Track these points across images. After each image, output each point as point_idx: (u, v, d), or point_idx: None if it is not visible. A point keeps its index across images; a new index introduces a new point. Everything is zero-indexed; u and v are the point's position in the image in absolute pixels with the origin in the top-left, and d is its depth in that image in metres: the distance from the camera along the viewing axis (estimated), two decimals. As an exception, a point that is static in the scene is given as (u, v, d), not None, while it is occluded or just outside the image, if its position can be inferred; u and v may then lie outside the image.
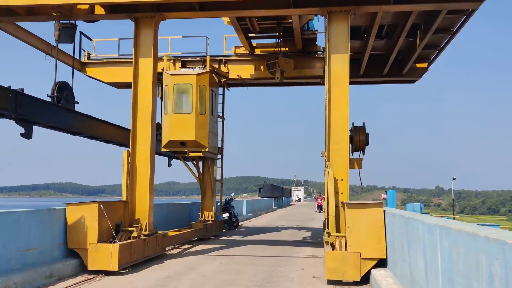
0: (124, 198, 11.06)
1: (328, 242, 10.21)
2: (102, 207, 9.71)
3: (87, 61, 18.57)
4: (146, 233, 11.01)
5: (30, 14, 11.78)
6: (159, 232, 12.29)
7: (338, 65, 10.91)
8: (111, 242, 9.66)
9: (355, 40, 14.77)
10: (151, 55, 11.60)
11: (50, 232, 8.97)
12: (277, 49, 16.09)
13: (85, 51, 18.63)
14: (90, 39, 18.71)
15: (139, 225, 10.84)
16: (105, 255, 9.35)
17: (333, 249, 9.65)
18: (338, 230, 10.19)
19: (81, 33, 18.09)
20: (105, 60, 18.56)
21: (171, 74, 15.88)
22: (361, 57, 16.35)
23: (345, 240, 9.24)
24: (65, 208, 9.55)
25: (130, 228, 10.64)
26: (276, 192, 54.26)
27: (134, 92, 11.56)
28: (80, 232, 9.48)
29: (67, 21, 11.96)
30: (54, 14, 11.59)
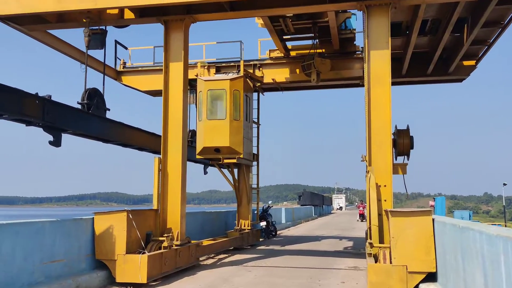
0: (155, 207, 10.67)
1: (370, 253, 9.41)
2: (131, 216, 9.32)
3: (122, 69, 18.51)
4: (178, 243, 10.55)
5: (60, 21, 11.68)
6: (192, 241, 11.83)
7: (379, 62, 10.15)
8: (140, 252, 9.24)
9: (396, 38, 13.92)
10: (181, 59, 11.22)
11: (76, 242, 8.64)
12: (312, 50, 15.43)
13: (120, 60, 18.59)
14: (126, 48, 18.68)
15: (170, 234, 10.40)
16: (134, 266, 8.93)
17: (376, 262, 8.86)
18: (381, 240, 9.38)
19: (116, 42, 18.12)
20: (140, 68, 18.44)
21: (205, 80, 15.51)
22: (403, 56, 15.44)
23: (390, 252, 8.46)
24: (93, 218, 9.23)
25: (161, 238, 10.21)
26: (316, 200, 53.19)
27: (164, 97, 11.21)
28: (108, 242, 9.11)
29: (97, 27, 11.78)
30: (84, 20, 11.44)
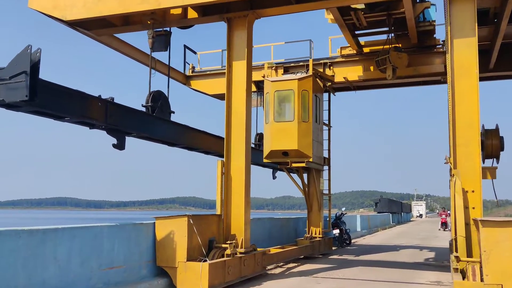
0: (218, 212, 10.20)
1: (457, 268, 8.25)
2: (192, 222, 8.89)
3: (191, 74, 18.47)
4: (242, 250, 9.98)
5: (125, 24, 11.64)
6: (258, 249, 11.23)
7: (464, 51, 8.98)
8: (201, 260, 8.77)
9: (482, 27, 12.47)
10: (244, 58, 10.71)
11: (136, 248, 8.34)
12: (387, 46, 14.31)
13: (189, 65, 18.57)
14: (195, 52, 18.62)
15: (234, 241, 9.86)
16: (195, 275, 8.47)
17: (464, 278, 7.72)
18: (469, 254, 8.19)
19: (185, 46, 18.11)
20: (208, 72, 18.28)
21: (272, 81, 14.94)
22: (490, 48, 13.86)
23: (480, 267, 7.30)
24: (154, 223, 8.91)
25: (224, 245, 9.70)
26: (394, 207, 50.69)
27: (227, 97, 10.75)
28: (169, 248, 8.74)
29: (161, 29, 11.61)
30: (148, 22, 11.29)
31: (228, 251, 9.56)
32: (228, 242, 9.76)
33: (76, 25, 11.48)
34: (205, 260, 8.77)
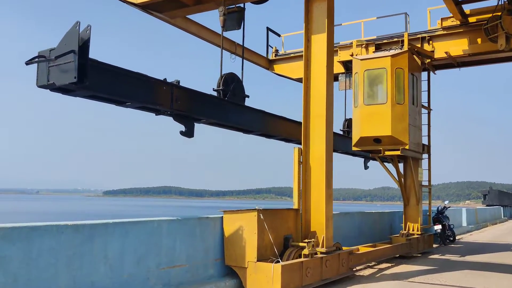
0: (295, 206, 9.08)
1: None
2: (263, 217, 7.87)
3: (274, 58, 17.46)
4: (323, 250, 8.77)
5: (197, 3, 10.86)
6: (344, 248, 9.95)
7: None
8: (273, 261, 7.73)
9: None
10: (324, 30, 9.40)
11: (202, 245, 7.52)
12: (498, 13, 12.06)
13: (272, 48, 17.56)
14: (279, 35, 17.60)
15: (314, 239, 8.67)
16: (266, 277, 7.46)
17: None
18: None
19: (268, 29, 17.12)
20: (292, 55, 17.12)
21: (361, 59, 13.38)
22: None
23: None
24: (222, 217, 8.04)
25: (301, 244, 8.55)
26: (506, 200, 45.73)
27: (305, 75, 9.55)
28: (238, 246, 7.81)
29: (233, 6, 10.67)
30: (220, -1, 10.40)
31: (306, 251, 8.40)
32: (307, 240, 8.59)
33: (148, 7, 10.96)
34: (278, 261, 7.71)
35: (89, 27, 6.47)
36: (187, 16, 12.01)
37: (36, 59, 6.58)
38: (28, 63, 6.54)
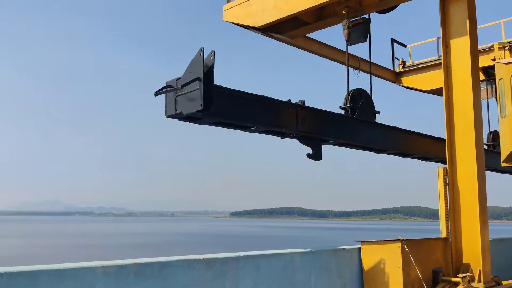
0: (443, 234, 7.93)
1: None
2: (407, 248, 6.93)
3: (402, 70, 16.28)
4: (480, 285, 7.48)
5: (318, 19, 10.39)
6: (504, 282, 8.47)
7: None
8: (423, 299, 6.72)
9: None
10: (466, 32, 8.28)
11: (338, 280, 6.82)
12: None
13: (399, 60, 16.43)
14: (405, 46, 16.45)
15: (468, 274, 7.44)
16: (415, 319, 6.48)
17: None
18: None
19: (393, 40, 16.08)
20: (422, 65, 15.80)
21: (506, 63, 11.69)
22: None
23: None
24: (359, 248, 7.26)
25: (454, 279, 7.39)
26: None
27: (446, 87, 8.46)
28: (380, 282, 6.95)
29: (358, 17, 9.99)
30: (343, 11, 9.81)
31: (461, 286, 7.22)
32: (461, 275, 7.40)
33: (268, 30, 10.77)
34: (429, 300, 6.69)
35: (212, 53, 6.30)
36: (307, 35, 11.62)
37: (164, 90, 6.57)
38: (156, 94, 6.55)
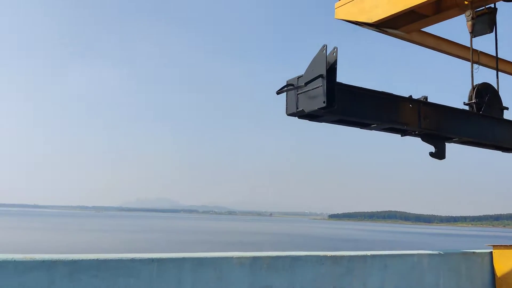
0: None
1: None
2: (549, 255, 6.33)
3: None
4: None
5: (437, 11, 9.89)
6: None
7: None
8: None
9: None
10: None
11: (468, 285, 6.42)
12: None
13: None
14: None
15: None
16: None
17: None
18: None
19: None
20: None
21: None
22: None
23: None
24: (491, 252, 6.78)
25: None
26: None
27: None
28: (515, 289, 6.43)
29: (482, 7, 9.33)
30: (466, 2, 9.24)
31: None
32: None
33: (382, 25, 10.48)
34: None
35: (335, 49, 6.28)
36: (423, 30, 11.12)
37: (286, 88, 6.68)
38: (278, 92, 6.67)
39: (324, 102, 6.09)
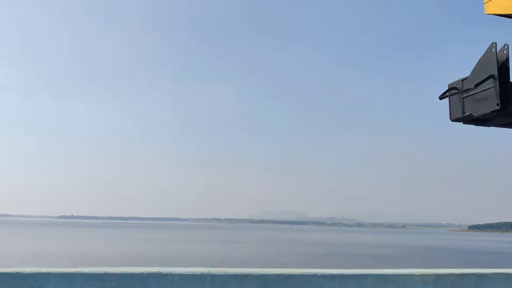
0: None
1: None
2: None
3: None
4: None
5: None
6: None
7: None
8: None
9: None
10: None
11: None
12: None
13: None
14: None
15: None
16: None
17: None
18: None
19: None
20: None
21: None
22: None
23: None
24: None
25: None
26: None
27: None
28: None
29: None
30: None
31: None
32: None
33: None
34: None
35: (506, 47, 5.76)
36: None
37: (449, 93, 6.30)
38: (441, 97, 6.31)
39: (497, 105, 5.61)
